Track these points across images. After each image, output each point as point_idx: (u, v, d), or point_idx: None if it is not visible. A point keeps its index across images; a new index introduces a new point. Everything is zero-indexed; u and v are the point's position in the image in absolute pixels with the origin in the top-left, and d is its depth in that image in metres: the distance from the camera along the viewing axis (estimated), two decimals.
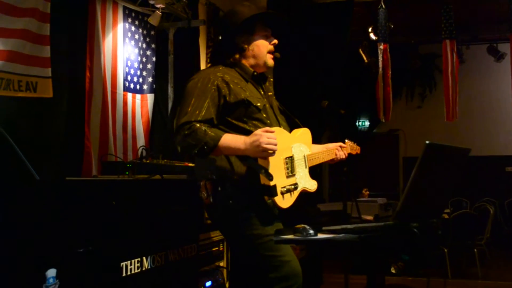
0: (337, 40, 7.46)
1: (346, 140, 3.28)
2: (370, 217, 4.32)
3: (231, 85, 2.75)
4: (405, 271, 6.73)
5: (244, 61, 2.89)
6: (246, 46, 2.87)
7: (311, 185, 2.88)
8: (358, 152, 3.39)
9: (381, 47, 7.84)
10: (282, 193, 2.64)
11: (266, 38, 2.91)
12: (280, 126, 2.86)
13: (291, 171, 2.75)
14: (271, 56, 2.92)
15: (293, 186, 2.73)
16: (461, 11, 8.00)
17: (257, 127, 2.69)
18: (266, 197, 2.62)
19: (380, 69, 7.84)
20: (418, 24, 9.73)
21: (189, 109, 2.65)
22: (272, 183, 2.57)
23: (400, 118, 11.55)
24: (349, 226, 2.18)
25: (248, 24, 2.85)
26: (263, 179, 2.59)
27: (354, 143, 3.38)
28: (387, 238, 2.13)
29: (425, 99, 12.28)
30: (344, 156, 3.19)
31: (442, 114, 7.71)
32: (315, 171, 2.99)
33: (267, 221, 2.69)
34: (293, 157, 2.79)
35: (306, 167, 2.88)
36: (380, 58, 7.84)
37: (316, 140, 3.10)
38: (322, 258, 5.90)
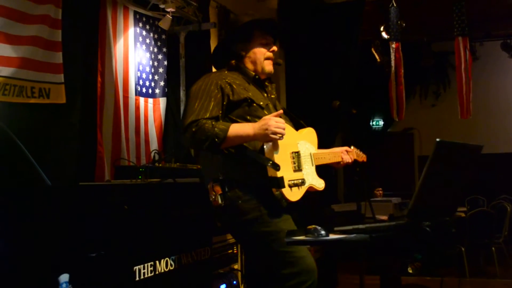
0: (349, 40, 7.44)
1: (352, 146, 3.28)
2: (384, 217, 4.28)
3: (234, 86, 2.80)
4: (422, 271, 6.68)
5: (245, 65, 2.94)
6: (243, 53, 2.93)
7: (319, 183, 2.89)
8: (365, 160, 3.38)
9: (393, 45, 7.79)
10: (290, 186, 2.67)
11: (265, 45, 2.94)
12: None
13: (297, 166, 2.77)
14: (270, 62, 2.95)
15: (300, 181, 2.74)
16: (473, 7, 7.90)
17: None
18: (274, 189, 2.63)
19: (393, 68, 7.80)
20: (430, 21, 9.65)
21: (195, 109, 2.69)
22: (279, 175, 2.59)
23: (415, 117, 11.46)
24: (360, 226, 2.17)
25: (245, 32, 2.90)
26: (270, 171, 2.62)
27: (360, 150, 3.38)
28: (399, 237, 2.12)
29: (439, 97, 12.19)
30: (350, 160, 3.19)
31: (457, 112, 7.63)
32: (329, 173, 2.99)
33: (276, 213, 2.69)
34: (299, 153, 2.81)
35: (312, 165, 2.89)
36: (393, 57, 7.79)
37: (330, 142, 3.10)
38: (338, 259, 5.88)
